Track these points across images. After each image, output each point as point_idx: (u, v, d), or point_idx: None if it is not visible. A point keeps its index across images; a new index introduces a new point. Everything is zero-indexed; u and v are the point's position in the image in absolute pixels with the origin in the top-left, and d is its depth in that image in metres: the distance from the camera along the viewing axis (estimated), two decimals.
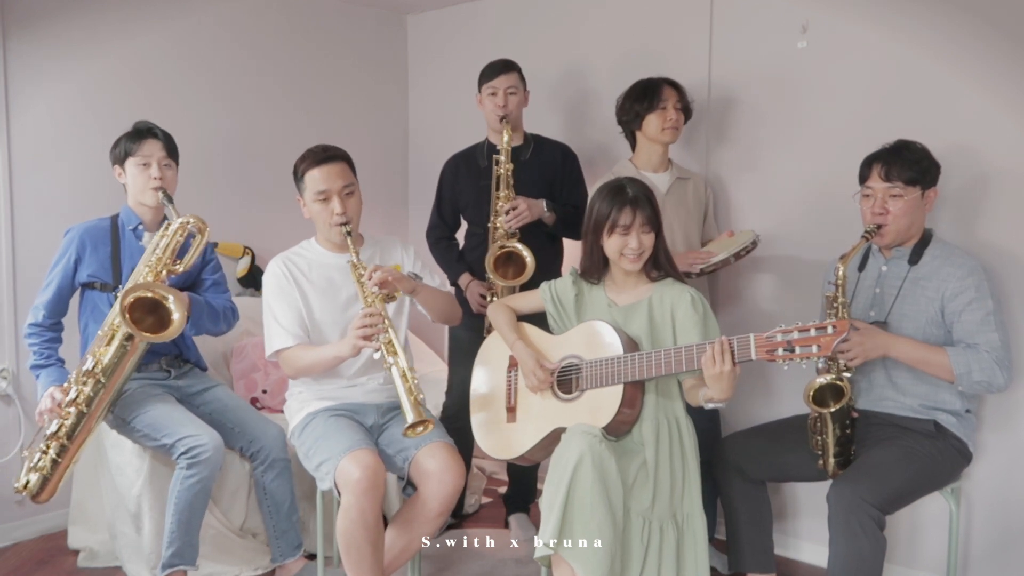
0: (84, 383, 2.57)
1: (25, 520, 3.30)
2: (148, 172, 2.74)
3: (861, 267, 2.63)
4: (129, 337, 2.55)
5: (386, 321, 2.41)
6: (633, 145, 3.11)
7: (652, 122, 2.98)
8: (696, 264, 2.86)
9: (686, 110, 3.05)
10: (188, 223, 2.68)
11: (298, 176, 2.62)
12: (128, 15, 3.47)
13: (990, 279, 2.46)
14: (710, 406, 2.22)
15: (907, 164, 2.44)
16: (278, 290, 2.61)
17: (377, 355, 2.40)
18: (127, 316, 2.48)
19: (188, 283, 2.83)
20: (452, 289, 2.78)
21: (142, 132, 2.78)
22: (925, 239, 2.52)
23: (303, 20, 4.08)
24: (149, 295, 2.57)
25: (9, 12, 3.15)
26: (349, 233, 2.55)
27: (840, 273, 2.42)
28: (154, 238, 2.70)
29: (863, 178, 2.53)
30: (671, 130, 2.99)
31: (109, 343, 2.59)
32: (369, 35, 4.34)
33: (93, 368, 2.56)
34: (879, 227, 2.47)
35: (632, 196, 2.33)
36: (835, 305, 2.42)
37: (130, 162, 2.75)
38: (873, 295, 2.56)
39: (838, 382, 2.35)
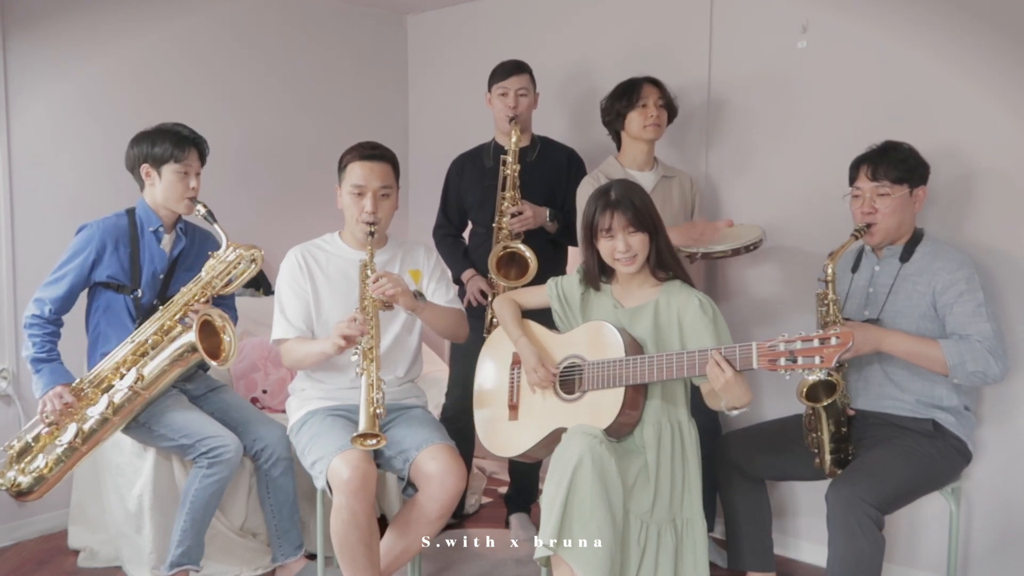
0: (116, 392, 2.58)
1: (25, 520, 3.30)
2: (186, 182, 2.72)
3: (855, 268, 2.65)
4: (189, 350, 2.59)
5: (372, 328, 2.41)
6: (619, 145, 3.12)
7: (634, 120, 3.00)
8: (702, 241, 2.83)
9: (669, 107, 3.05)
10: (245, 255, 2.71)
11: (341, 165, 2.64)
12: (128, 15, 3.47)
13: (982, 273, 2.47)
14: (734, 413, 2.21)
15: (893, 163, 2.46)
16: (291, 280, 2.64)
17: (355, 357, 2.41)
18: (199, 340, 2.55)
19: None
20: (462, 307, 2.78)
21: (186, 140, 2.74)
22: (916, 237, 2.53)
23: (303, 20, 4.08)
24: (219, 323, 2.63)
25: (9, 12, 3.15)
26: (372, 234, 2.56)
27: (829, 271, 2.44)
28: (209, 260, 2.72)
29: (852, 179, 2.56)
30: (653, 127, 2.99)
31: (144, 355, 2.61)
32: (369, 35, 4.34)
33: (135, 381, 2.58)
34: (868, 226, 2.49)
35: (614, 199, 2.32)
36: (825, 302, 2.44)
37: (170, 167, 2.71)
38: (867, 295, 2.58)
39: (829, 377, 2.35)
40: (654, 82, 3.03)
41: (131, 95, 3.47)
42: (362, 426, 2.31)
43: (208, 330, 2.63)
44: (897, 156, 2.48)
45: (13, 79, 3.18)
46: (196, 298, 2.66)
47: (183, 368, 2.64)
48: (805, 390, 2.37)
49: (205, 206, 2.72)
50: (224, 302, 2.91)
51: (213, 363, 2.62)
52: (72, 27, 3.31)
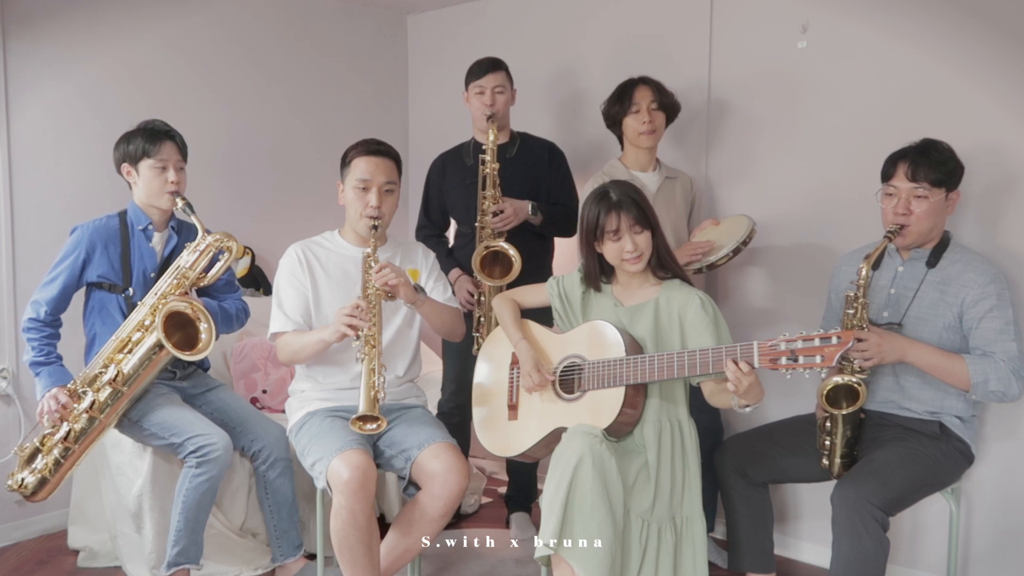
0: (100, 390, 2.57)
1: (25, 520, 3.30)
2: (164, 176, 2.72)
3: (875, 266, 2.56)
4: (157, 348, 2.57)
5: (375, 316, 2.42)
6: (622, 145, 3.12)
7: (629, 125, 3.00)
8: (694, 262, 2.85)
9: (667, 108, 3.03)
10: (220, 241, 2.69)
11: (346, 161, 2.65)
12: (128, 15, 3.47)
13: (1010, 285, 2.44)
14: (747, 410, 2.21)
15: (934, 165, 2.39)
16: (290, 275, 2.65)
17: (356, 343, 2.42)
18: (164, 328, 2.51)
19: (211, 283, 2.82)
20: (459, 306, 2.79)
21: (160, 134, 2.74)
22: (944, 242, 2.48)
23: (303, 20, 4.08)
24: (189, 312, 2.59)
25: (9, 12, 3.15)
26: (375, 227, 2.58)
27: (863, 273, 2.38)
28: (183, 252, 2.71)
29: (886, 176, 2.47)
30: (647, 134, 2.98)
31: (127, 351, 2.60)
32: (369, 35, 4.34)
33: (115, 377, 2.57)
34: (901, 227, 2.42)
35: (616, 200, 2.32)
36: (855, 304, 2.38)
37: (146, 163, 2.72)
38: (888, 296, 2.53)
39: (856, 385, 2.32)
40: (649, 83, 3.02)
41: (131, 95, 3.48)
42: (362, 408, 2.31)
43: (179, 320, 2.60)
44: (938, 157, 2.40)
45: (13, 79, 3.18)
46: (172, 290, 2.63)
47: (160, 364, 2.62)
48: (826, 391, 2.34)
49: (184, 199, 2.71)
50: (233, 294, 2.90)
51: (187, 356, 2.58)
52: (72, 27, 3.31)
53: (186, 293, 2.65)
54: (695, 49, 3.33)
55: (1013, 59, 2.65)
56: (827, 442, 2.48)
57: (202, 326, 2.61)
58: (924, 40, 2.80)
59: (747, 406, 2.19)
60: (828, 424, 2.46)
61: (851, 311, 2.40)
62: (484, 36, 4.09)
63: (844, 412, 2.37)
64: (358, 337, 2.41)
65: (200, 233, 2.69)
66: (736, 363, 2.11)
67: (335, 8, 4.20)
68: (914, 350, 2.38)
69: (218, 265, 2.71)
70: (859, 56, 2.94)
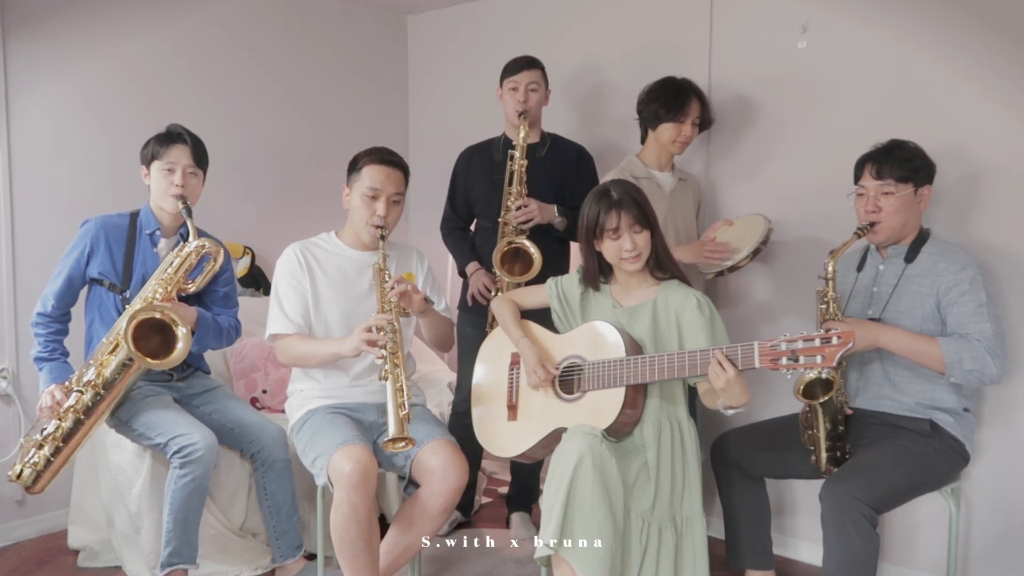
0: (84, 391, 2.57)
1: (25, 520, 3.30)
2: (171, 178, 2.72)
3: (860, 268, 2.64)
4: (128, 359, 2.57)
5: (396, 333, 2.42)
6: (643, 138, 3.11)
7: (667, 130, 2.99)
8: (712, 264, 2.86)
9: (703, 124, 3.05)
10: (204, 247, 2.70)
11: (356, 167, 2.65)
12: (128, 15, 3.47)
13: (986, 275, 2.47)
14: (730, 412, 2.23)
15: (898, 162, 2.45)
16: (289, 276, 2.65)
17: (379, 362, 2.42)
18: (132, 341, 2.49)
19: (198, 290, 2.81)
20: (454, 317, 2.80)
21: (172, 136, 2.75)
22: (922, 237, 2.52)
23: (303, 20, 4.08)
24: (158, 316, 2.58)
25: (9, 12, 3.15)
26: (383, 237, 2.59)
27: (830, 268, 2.44)
28: (168, 256, 2.71)
29: (856, 178, 2.56)
30: (681, 144, 3.00)
31: (113, 352, 2.60)
32: (369, 35, 4.34)
33: (95, 378, 2.57)
34: (872, 224, 2.48)
35: (616, 198, 2.33)
36: (825, 300, 2.45)
37: (155, 165, 2.73)
38: (871, 294, 2.57)
39: (825, 376, 2.35)
40: (701, 98, 3.02)
41: (131, 95, 3.48)
42: (392, 431, 2.31)
43: (155, 325, 2.58)
44: (902, 155, 2.47)
45: (13, 79, 3.19)
46: (156, 295, 2.63)
47: (138, 370, 2.61)
48: (802, 387, 2.37)
49: (184, 201, 2.72)
50: (229, 310, 2.89)
51: (158, 365, 2.56)
52: (72, 27, 3.31)
53: (171, 298, 2.64)
54: (695, 49, 3.33)
55: (1013, 59, 2.66)
56: (811, 436, 2.50)
57: (179, 331, 2.59)
58: (924, 40, 2.81)
59: (730, 408, 2.20)
60: (809, 418, 2.49)
61: (823, 306, 2.45)
62: (484, 36, 4.09)
63: (822, 401, 2.39)
64: (383, 357, 2.40)
65: (190, 236, 2.70)
66: (720, 362, 2.12)
67: (335, 8, 4.20)
68: (886, 334, 2.41)
69: (204, 273, 2.71)
70: (859, 56, 2.94)
